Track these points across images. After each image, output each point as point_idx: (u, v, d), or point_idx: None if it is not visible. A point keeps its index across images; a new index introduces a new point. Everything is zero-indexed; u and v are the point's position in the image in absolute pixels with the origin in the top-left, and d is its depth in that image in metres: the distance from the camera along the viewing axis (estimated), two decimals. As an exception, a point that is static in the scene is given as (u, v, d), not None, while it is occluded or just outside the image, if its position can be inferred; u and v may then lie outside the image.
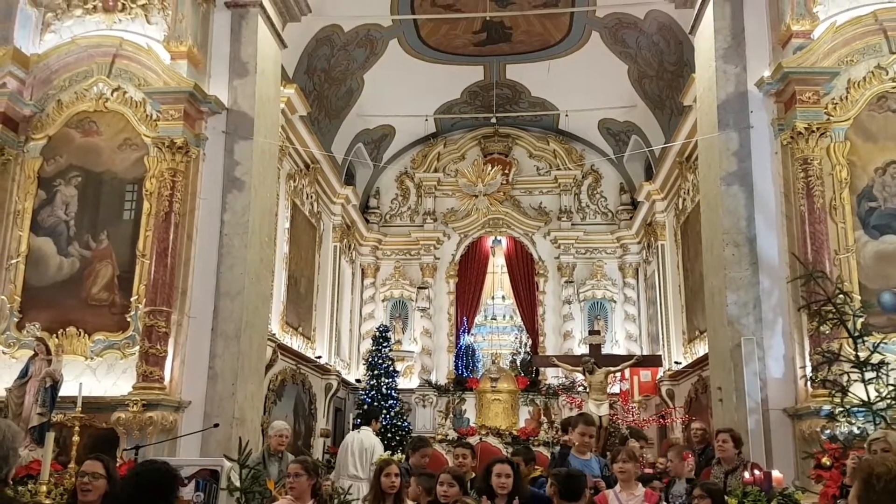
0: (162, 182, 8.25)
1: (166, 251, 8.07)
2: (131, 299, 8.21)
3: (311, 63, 12.31)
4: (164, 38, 8.64)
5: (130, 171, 8.55)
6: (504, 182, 16.32)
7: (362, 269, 17.08)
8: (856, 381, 6.62)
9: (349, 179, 15.69)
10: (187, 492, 5.49)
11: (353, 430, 10.36)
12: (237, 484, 5.38)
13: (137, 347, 7.96)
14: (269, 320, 10.03)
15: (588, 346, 13.93)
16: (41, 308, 8.23)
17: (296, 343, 12.44)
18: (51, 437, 5.74)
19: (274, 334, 10.73)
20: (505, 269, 17.02)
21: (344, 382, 15.05)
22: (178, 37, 8.53)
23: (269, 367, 10.34)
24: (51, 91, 8.82)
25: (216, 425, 7.37)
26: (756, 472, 5.65)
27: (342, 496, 6.03)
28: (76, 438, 6.85)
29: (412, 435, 14.75)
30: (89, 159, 8.61)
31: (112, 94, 8.72)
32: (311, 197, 13.56)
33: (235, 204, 8.31)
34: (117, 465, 6.53)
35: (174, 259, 8.10)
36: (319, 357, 13.61)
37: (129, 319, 8.18)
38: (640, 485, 5.23)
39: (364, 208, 17.05)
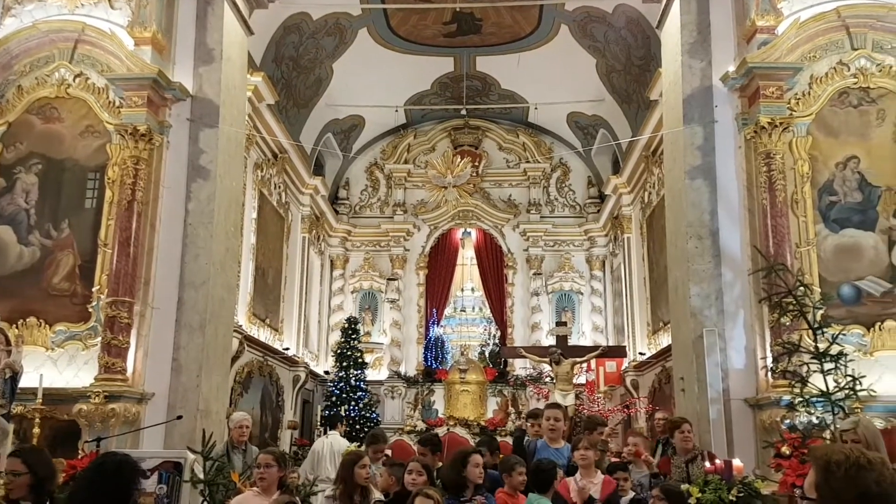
0: (125, 170, 8.11)
1: (129, 240, 7.94)
2: (93, 289, 8.08)
3: (279, 51, 12.18)
4: (128, 23, 8.48)
5: (92, 158, 8.39)
6: (474, 174, 16.28)
7: (331, 261, 17.00)
8: (815, 371, 6.73)
9: (318, 170, 15.57)
10: (150, 484, 5.42)
11: (321, 435, 10.35)
12: (201, 476, 5.34)
13: (99, 338, 7.83)
14: (236, 311, 9.94)
15: (555, 337, 14.04)
16: (0, 298, 8.05)
17: (263, 335, 12.34)
18: (10, 429, 5.63)
19: (240, 326, 10.63)
20: (474, 261, 17.09)
21: (312, 374, 14.99)
22: (142, 22, 8.39)
23: (235, 358, 10.25)
24: (11, 76, 8.61)
25: (180, 417, 7.29)
26: (717, 461, 5.74)
27: (309, 487, 6.02)
28: (37, 430, 6.74)
29: (379, 426, 14.79)
30: (50, 146, 8.44)
31: (74, 80, 8.55)
32: (279, 187, 13.44)
33: (200, 193, 8.19)
34: (79, 457, 6.48)
35: (137, 249, 7.98)
36: (287, 349, 13.54)
37: (90, 310, 8.05)
38: (599, 472, 5.30)
39: (333, 199, 16.96)
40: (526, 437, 6.43)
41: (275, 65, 12.21)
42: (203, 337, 7.90)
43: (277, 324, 13.28)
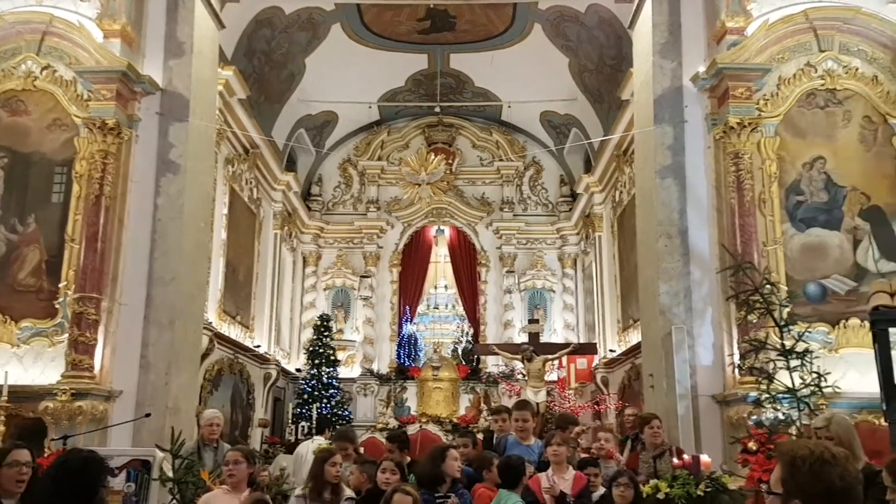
0: (92, 164, 8.00)
1: (96, 236, 7.83)
2: (60, 285, 7.95)
3: (251, 45, 12.08)
4: (97, 15, 8.35)
5: (60, 152, 8.26)
6: (447, 172, 16.31)
7: (304, 258, 16.90)
8: (781, 368, 6.86)
9: (290, 166, 15.46)
10: (118, 482, 5.38)
11: (304, 438, 10.30)
12: (170, 474, 5.29)
13: (66, 335, 7.71)
14: (206, 308, 9.84)
15: (527, 334, 14.11)
16: (-36, 293, 7.90)
17: (233, 332, 12.24)
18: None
19: (210, 323, 10.54)
20: (448, 259, 17.10)
21: (284, 372, 14.89)
22: (112, 14, 8.27)
23: (205, 356, 10.16)
24: (-24, 68, 8.44)
25: (148, 415, 7.21)
26: (685, 456, 5.82)
27: (279, 484, 6.00)
28: (2, 428, 6.62)
29: (351, 425, 14.77)
30: (17, 140, 8.28)
31: (41, 73, 8.39)
32: (251, 182, 13.32)
33: (170, 188, 8.10)
34: (45, 455, 6.37)
35: (105, 244, 7.87)
36: (258, 346, 13.44)
37: (57, 306, 7.92)
38: (570, 468, 5.34)
39: (306, 195, 16.86)
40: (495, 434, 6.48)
41: (246, 59, 12.11)
42: (172, 334, 7.82)
43: (248, 321, 13.18)
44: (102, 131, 8.00)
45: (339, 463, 4.92)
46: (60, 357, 7.68)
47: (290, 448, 10.33)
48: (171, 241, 8.02)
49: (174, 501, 5.22)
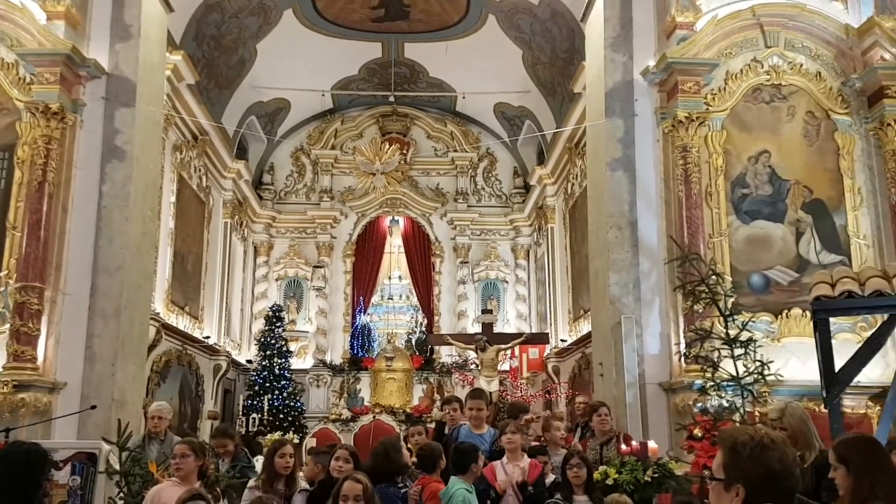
0: (35, 150, 7.79)
1: (39, 223, 7.63)
2: (1, 274, 7.71)
3: (200, 30, 11.82)
4: (40, -5, 8.09)
5: (0, 137, 8.00)
6: (402, 162, 16.26)
7: (255, 247, 16.67)
8: (726, 357, 7.06)
9: (241, 153, 15.20)
10: (62, 475, 5.24)
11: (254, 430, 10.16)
12: (117, 467, 5.19)
13: (8, 325, 7.53)
14: (153, 299, 9.65)
15: (481, 324, 14.19)
16: None
17: (182, 323, 12.02)
18: None
19: (158, 313, 10.33)
20: (402, 250, 17.07)
21: (234, 363, 14.70)
22: (55, -5, 8.02)
23: (152, 347, 9.97)
24: None
25: (94, 407, 7.05)
26: (633, 442, 5.93)
27: (230, 477, 5.92)
28: (-62, 422, 6.40)
29: (304, 416, 14.69)
30: (-47, 124, 7.99)
31: (-21, 55, 8.10)
32: (200, 170, 13.07)
33: (115, 174, 7.92)
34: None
35: (48, 232, 7.67)
36: (208, 337, 13.23)
37: (-3, 295, 7.68)
38: (525, 455, 5.40)
39: (257, 184, 16.61)
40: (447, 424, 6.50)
41: (195, 44, 11.85)
42: (118, 325, 7.67)
43: (197, 312, 12.95)
44: (46, 116, 7.78)
45: (290, 454, 4.88)
46: (2, 348, 7.48)
47: (245, 441, 10.17)
48: (117, 229, 7.84)
49: (121, 494, 5.13)
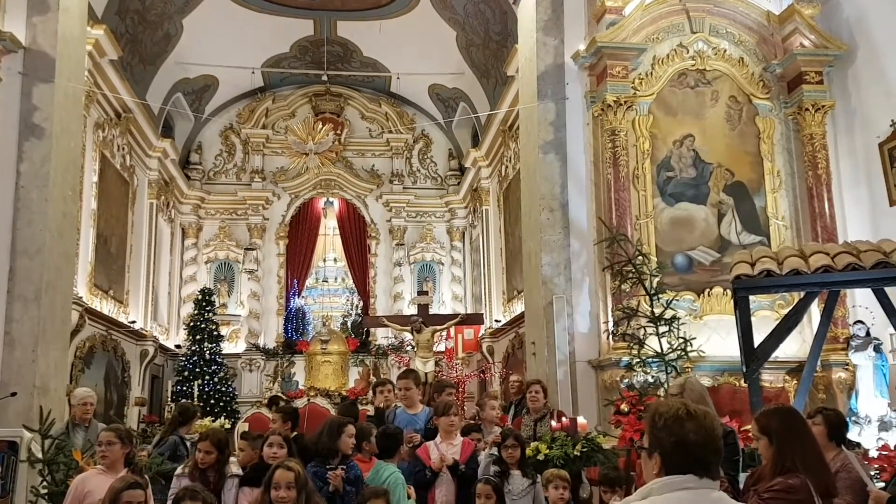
0: (-54, 127, 7.38)
1: (-49, 204, 7.25)
2: None
3: (124, 4, 11.39)
4: (-54, -37, 7.65)
5: None
6: (336, 142, 16.08)
7: (183, 229, 16.24)
8: (651, 334, 7.29)
9: (167, 132, 14.74)
10: (-21, 465, 5.06)
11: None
12: (39, 455, 5.03)
13: (-81, 310, 7.15)
14: (75, 282, 9.33)
15: (417, 306, 14.23)
16: None
17: (106, 307, 11.66)
18: None
19: (80, 297, 10.00)
20: (337, 232, 16.93)
21: (162, 348, 14.36)
22: (-36, -37, 7.59)
23: (75, 332, 9.66)
24: None
25: (14, 394, 6.83)
26: (563, 418, 6.08)
27: (159, 464, 5.79)
28: None
29: (236, 401, 14.46)
30: None
31: None
32: (124, 149, 12.62)
33: (33, 153, 7.61)
34: None
35: (-39, 213, 7.30)
36: (133, 322, 12.86)
37: None
38: (458, 435, 5.46)
39: (184, 164, 16.15)
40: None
41: (118, 18, 11.41)
42: (38, 309, 7.43)
43: (122, 296, 12.57)
44: (-44, 91, 7.38)
45: (206, 451, 4.78)
46: (-89, 334, 7.12)
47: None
48: (36, 210, 7.55)
49: (44, 483, 4.98)
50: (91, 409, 6.58)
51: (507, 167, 13.31)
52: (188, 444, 6.46)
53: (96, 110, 11.14)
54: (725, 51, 8.66)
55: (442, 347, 14.28)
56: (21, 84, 7.76)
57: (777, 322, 6.29)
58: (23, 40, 7.80)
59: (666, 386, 6.87)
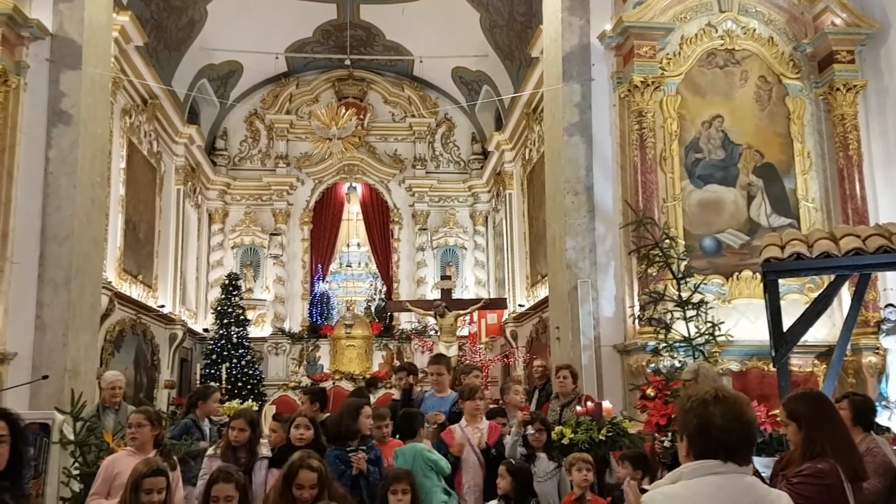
0: (-24, 114, 7.49)
1: (-18, 190, 7.37)
2: (-57, 243, 7.46)
3: (149, -10, 11.45)
4: (-25, -49, 7.71)
5: (-61, 100, 7.69)
6: (359, 127, 16.09)
7: (209, 215, 16.38)
8: (678, 318, 7.22)
9: (193, 118, 14.83)
10: (14, 446, 5.14)
11: None
12: (71, 437, 5.11)
13: (-48, 295, 7.29)
14: (104, 267, 9.45)
15: (440, 291, 14.25)
16: None
17: (135, 292, 11.81)
18: None
19: (110, 282, 10.13)
20: (360, 217, 16.97)
21: (190, 332, 14.53)
22: (-8, -49, 7.65)
23: (105, 316, 9.81)
24: None
25: (45, 377, 6.92)
26: (589, 403, 6.05)
27: (188, 444, 5.87)
28: None
29: (264, 383, 14.62)
30: None
31: (-85, 14, 7.72)
32: (150, 135, 12.73)
33: (62, 140, 7.69)
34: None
35: (-8, 199, 7.41)
36: (162, 306, 13.03)
37: (-59, 265, 7.45)
38: (483, 418, 5.46)
39: (210, 150, 16.26)
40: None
41: (143, 4, 11.47)
42: (69, 294, 7.52)
43: (151, 280, 12.73)
44: (-14, 78, 7.48)
45: (241, 428, 4.82)
46: (-53, 318, 7.27)
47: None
48: (65, 196, 7.64)
49: (76, 464, 5.06)
50: (119, 392, 6.68)
51: (530, 150, 13.22)
52: (203, 425, 6.56)
53: (123, 97, 11.24)
54: (755, 30, 8.49)
55: (465, 332, 14.30)
56: (49, 71, 7.83)
57: (807, 306, 6.20)
58: (50, 27, 7.87)
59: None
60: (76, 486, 4.96)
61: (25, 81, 7.79)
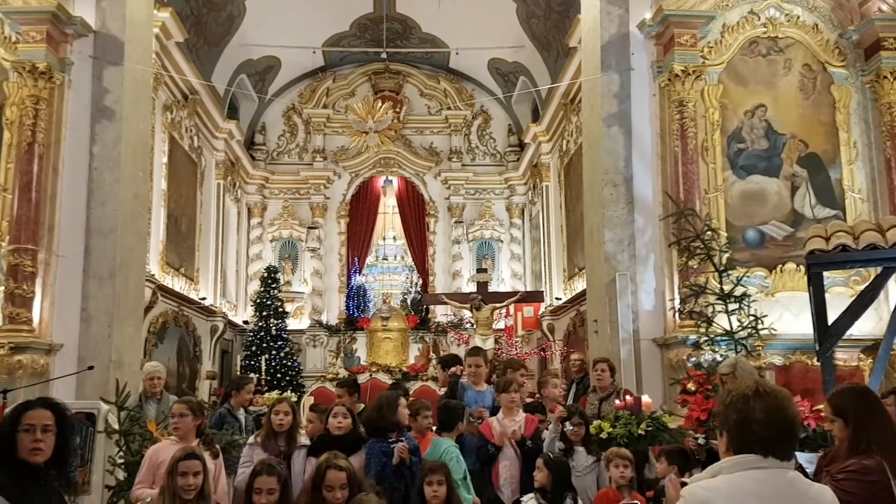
0: (24, 110, 7.69)
1: (30, 185, 7.56)
2: (-7, 236, 7.68)
3: (188, -14, 11.60)
4: (21, -49, 7.89)
5: (-13, 97, 7.90)
6: (395, 120, 16.12)
7: (248, 208, 16.59)
8: (720, 312, 7.10)
9: (232, 113, 15.02)
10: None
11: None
12: (115, 426, 5.23)
13: (2, 288, 7.52)
14: (147, 260, 9.63)
15: (476, 284, 14.23)
16: None
17: (178, 284, 12.02)
18: None
19: (153, 275, 10.32)
20: (396, 210, 17.03)
21: (231, 324, 14.75)
22: (38, -49, 7.82)
23: (148, 308, 9.99)
24: None
25: (91, 368, 7.06)
26: (627, 397, 5.99)
27: (230, 434, 5.97)
28: (-63, 383, 6.42)
29: (302, 375, 14.80)
30: (-61, 84, 7.87)
31: (-37, 13, 7.95)
32: (191, 130, 12.92)
33: (105, 135, 7.82)
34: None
35: (39, 194, 7.60)
36: (204, 299, 13.24)
37: (-10, 258, 7.66)
38: (521, 411, 5.45)
39: (249, 144, 16.45)
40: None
41: (183, 0, 11.61)
42: (113, 286, 7.66)
43: (193, 273, 12.94)
44: (33, 75, 7.66)
45: (284, 412, 4.90)
46: (-4, 310, 7.47)
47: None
48: (109, 190, 7.78)
49: (121, 453, 5.18)
50: (159, 382, 6.83)
51: (568, 142, 13.11)
52: (238, 415, 6.67)
53: (164, 92, 11.41)
54: (799, 17, 8.30)
55: (501, 325, 14.27)
56: (92, 67, 7.96)
57: (852, 299, 6.07)
58: (93, 24, 8.00)
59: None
60: (120, 475, 5.08)
61: (70, 78, 7.94)
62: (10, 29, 7.85)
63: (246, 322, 15.64)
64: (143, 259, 8.97)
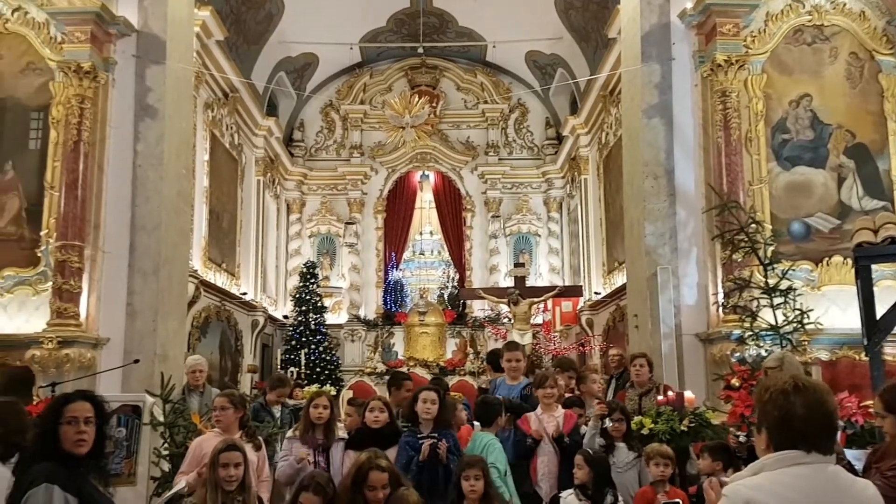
0: (69, 109, 7.86)
1: (76, 183, 7.72)
2: (41, 233, 7.89)
3: (228, -15, 11.73)
4: (66, -47, 8.06)
5: (35, 97, 8.11)
6: (431, 114, 16.14)
7: (287, 205, 16.77)
8: (765, 306, 6.95)
9: (271, 110, 15.19)
10: (109, 427, 5.39)
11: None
12: (160, 419, 5.33)
13: (50, 283, 7.70)
14: (190, 256, 9.79)
15: (513, 278, 14.16)
16: (-56, 243, 7.81)
17: (220, 279, 12.21)
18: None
19: (196, 270, 10.49)
20: (433, 205, 17.04)
21: (271, 319, 14.94)
22: (82, -47, 7.98)
23: (191, 303, 10.15)
24: (-59, 10, 8.17)
25: (137, 361, 7.21)
26: (669, 392, 5.91)
27: (271, 427, 6.05)
28: (-12, 376, 6.61)
29: (339, 369, 14.93)
30: (-11, 85, 8.09)
31: (12, 15, 8.19)
32: (232, 128, 13.10)
33: (149, 133, 7.96)
34: (34, 403, 6.38)
35: (85, 191, 7.77)
36: (245, 293, 13.43)
37: (39, 254, 7.88)
38: (559, 407, 5.42)
39: (288, 141, 16.62)
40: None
41: (223, -1, 11.77)
42: (157, 282, 7.79)
43: (234, 268, 13.13)
44: (78, 75, 7.82)
45: (323, 405, 4.94)
46: (45, 305, 7.67)
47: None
48: (152, 187, 7.92)
49: (166, 445, 5.28)
50: (200, 375, 6.94)
51: (607, 134, 12.96)
52: (273, 409, 6.76)
53: (205, 90, 11.58)
54: (845, 4, 8.08)
55: (539, 320, 14.20)
56: (135, 66, 8.09)
57: (904, 292, 5.90)
58: (135, 24, 8.14)
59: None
60: (165, 466, 5.17)
61: (113, 77, 8.09)
62: (56, 29, 8.03)
63: (286, 317, 15.83)
64: (187, 255, 9.12)
